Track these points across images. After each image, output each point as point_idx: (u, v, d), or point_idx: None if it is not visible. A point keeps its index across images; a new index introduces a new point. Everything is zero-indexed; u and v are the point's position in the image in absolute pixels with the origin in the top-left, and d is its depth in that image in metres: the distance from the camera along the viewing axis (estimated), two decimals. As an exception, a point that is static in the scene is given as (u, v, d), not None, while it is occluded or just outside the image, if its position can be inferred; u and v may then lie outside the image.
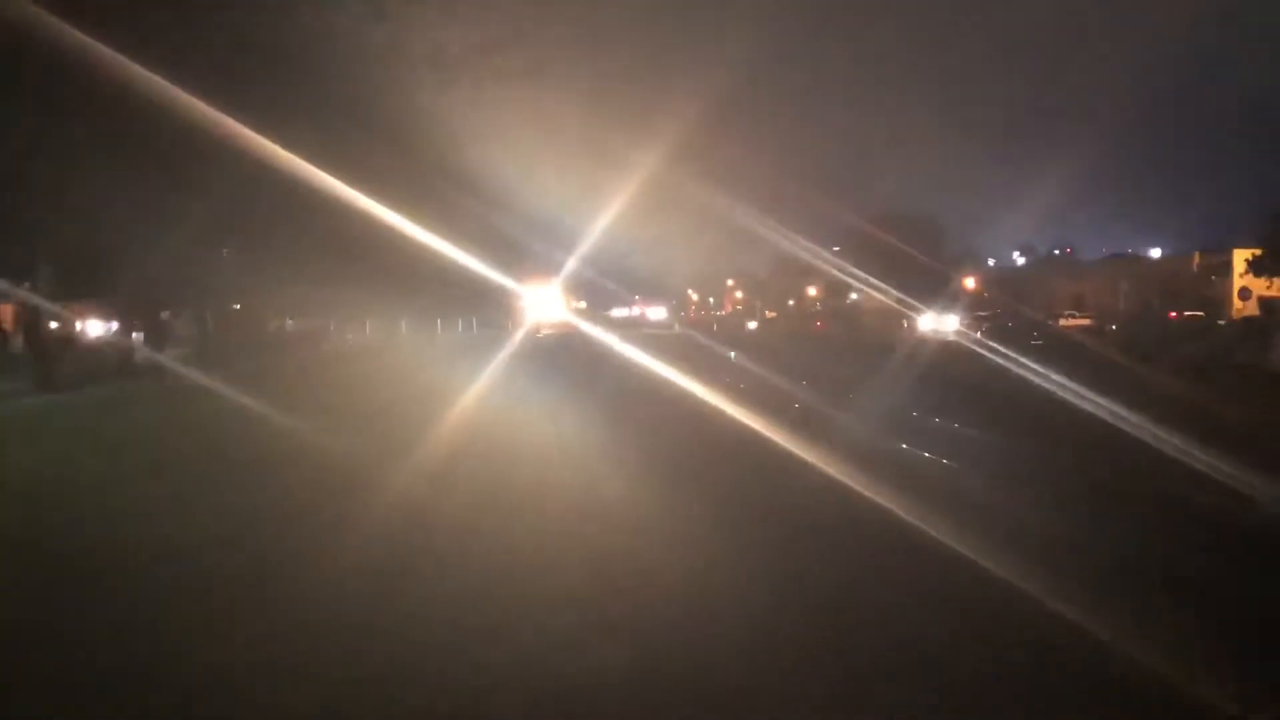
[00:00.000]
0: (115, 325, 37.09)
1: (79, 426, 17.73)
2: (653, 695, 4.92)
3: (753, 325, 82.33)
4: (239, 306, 45.57)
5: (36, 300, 27.01)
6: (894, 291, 55.94)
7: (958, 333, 45.42)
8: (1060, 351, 31.22)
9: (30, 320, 29.33)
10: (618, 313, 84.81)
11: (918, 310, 54.11)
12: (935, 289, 73.83)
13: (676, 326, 74.41)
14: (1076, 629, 5.47)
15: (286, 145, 21.12)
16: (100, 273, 28.16)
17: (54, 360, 25.83)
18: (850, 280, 64.47)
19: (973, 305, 73.66)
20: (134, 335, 34.32)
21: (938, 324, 49.43)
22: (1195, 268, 67.18)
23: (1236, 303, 50.37)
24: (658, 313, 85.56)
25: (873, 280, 58.56)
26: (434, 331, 60.64)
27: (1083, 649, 5.28)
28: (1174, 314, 55.99)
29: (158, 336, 35.38)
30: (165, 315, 40.60)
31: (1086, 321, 59.02)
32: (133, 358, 30.83)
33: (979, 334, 46.64)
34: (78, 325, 34.59)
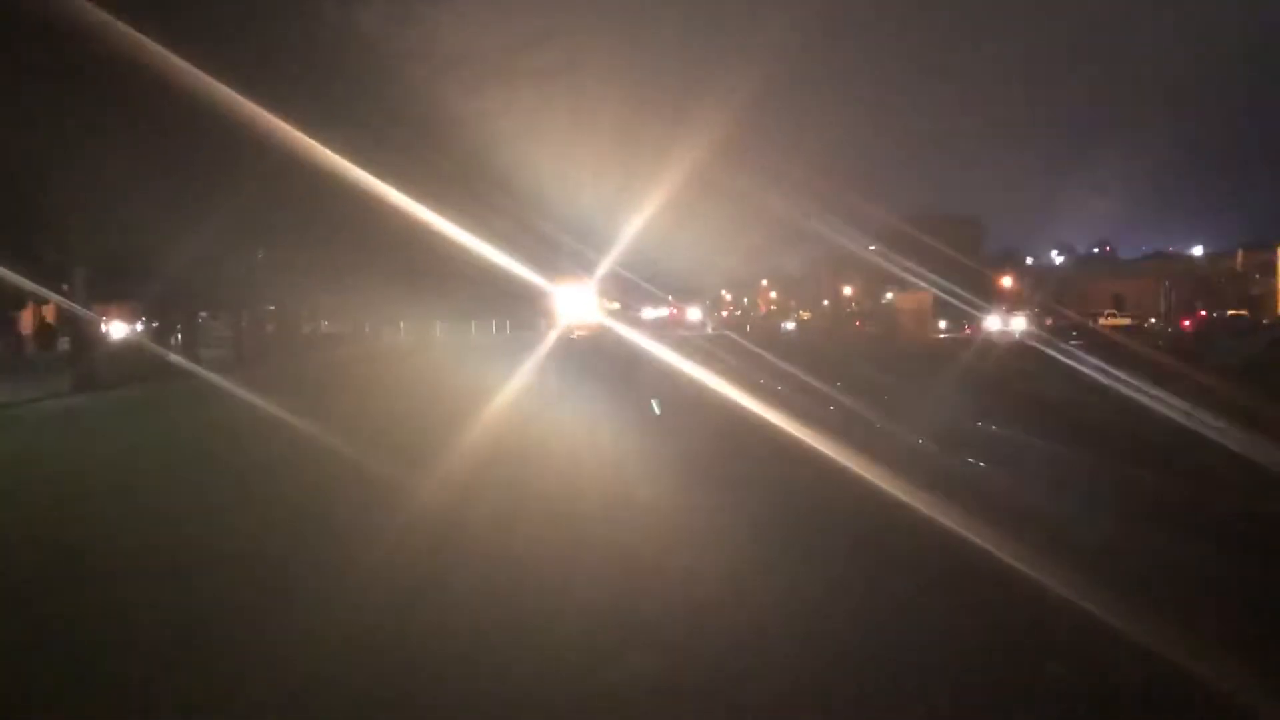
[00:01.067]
0: (150, 326, 37.47)
1: (111, 427, 17.86)
2: (689, 707, 4.74)
3: (790, 325, 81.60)
4: (274, 308, 45.99)
5: (73, 301, 27.26)
6: (945, 285, 54.35)
7: (1026, 334, 43.99)
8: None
9: (67, 321, 29.66)
10: (650, 313, 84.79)
11: (979, 309, 53.01)
12: (973, 288, 73.12)
13: (709, 328, 74.15)
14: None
15: (321, 145, 21.16)
16: (135, 274, 28.39)
17: (91, 361, 26.06)
18: (906, 275, 62.80)
19: (1012, 305, 72.91)
20: (168, 336, 34.67)
21: (1005, 325, 48.13)
22: (1239, 266, 66.02)
23: (1282, 302, 49.44)
24: (694, 314, 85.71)
25: (925, 274, 56.85)
26: (468, 333, 60.83)
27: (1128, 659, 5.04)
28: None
29: (191, 338, 35.73)
30: (202, 316, 41.05)
31: (1126, 321, 58.19)
32: (167, 359, 31.09)
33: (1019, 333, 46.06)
34: (110, 326, 34.91)
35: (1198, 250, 78.55)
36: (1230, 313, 52.48)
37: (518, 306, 53.65)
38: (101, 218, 23.57)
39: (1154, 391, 16.92)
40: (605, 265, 44.36)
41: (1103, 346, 33.56)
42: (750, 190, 71.60)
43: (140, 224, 23.67)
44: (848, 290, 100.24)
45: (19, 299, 38.58)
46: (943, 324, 69.10)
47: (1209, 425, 13.35)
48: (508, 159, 32.10)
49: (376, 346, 48.39)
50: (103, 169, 21.45)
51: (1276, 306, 51.36)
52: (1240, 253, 67.19)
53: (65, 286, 28.08)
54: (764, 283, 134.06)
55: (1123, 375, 19.87)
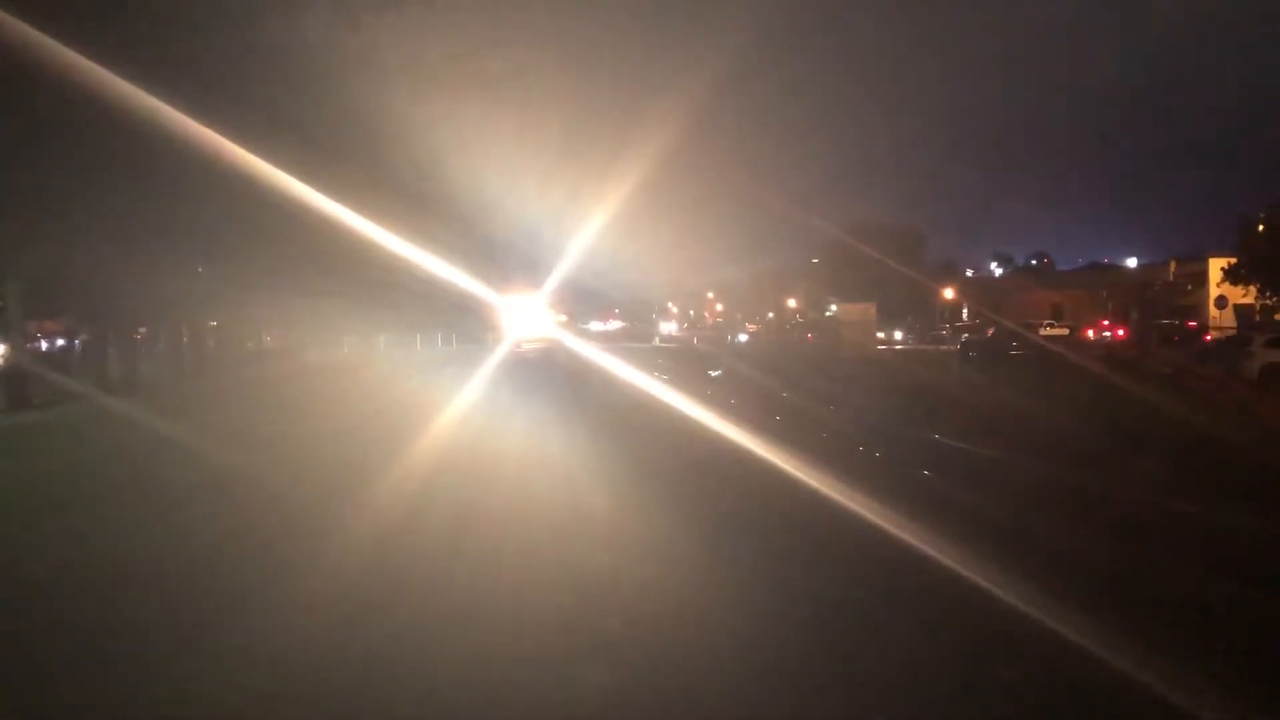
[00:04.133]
0: (89, 342, 36.67)
1: (47, 446, 17.40)
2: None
3: (743, 338, 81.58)
4: (215, 323, 45.22)
5: (5, 317, 26.61)
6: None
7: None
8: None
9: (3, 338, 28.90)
10: (597, 326, 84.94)
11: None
12: (915, 300, 73.96)
13: (657, 340, 74.28)
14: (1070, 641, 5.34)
15: (262, 158, 20.86)
16: (70, 289, 27.77)
17: (25, 378, 25.40)
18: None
19: (951, 317, 74.03)
20: (108, 352, 33.92)
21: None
22: (1172, 276, 67.59)
23: (1213, 311, 50.62)
24: (667, 326, 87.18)
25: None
26: (413, 347, 60.28)
27: (1075, 660, 5.13)
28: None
29: (129, 354, 34.99)
30: (141, 332, 40.23)
31: (1064, 331, 59.35)
32: (106, 375, 30.43)
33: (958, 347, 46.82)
34: (48, 343, 34.15)
35: (1132, 261, 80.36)
36: (1164, 321, 53.90)
37: (465, 320, 53.21)
38: (34, 231, 23.04)
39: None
40: (553, 277, 44.22)
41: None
42: (696, 202, 71.96)
43: (75, 237, 23.18)
44: (792, 302, 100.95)
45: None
46: (898, 334, 69.71)
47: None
48: (453, 170, 31.87)
49: (319, 361, 47.72)
50: (36, 182, 20.99)
51: (1208, 316, 52.65)
52: (1173, 263, 68.84)
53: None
54: (710, 295, 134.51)
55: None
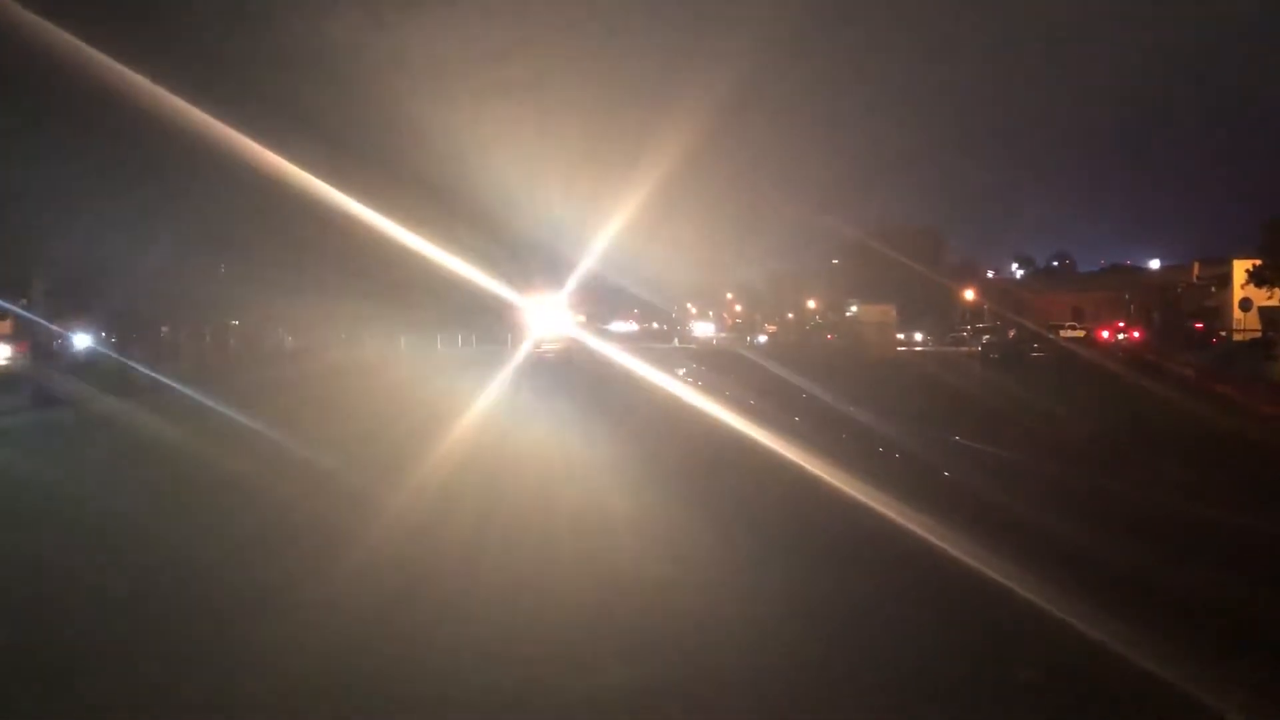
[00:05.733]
0: (112, 341, 36.99)
1: (72, 442, 17.54)
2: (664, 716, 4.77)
3: (763, 339, 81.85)
4: (237, 322, 45.53)
5: (33, 316, 26.84)
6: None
7: None
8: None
9: (28, 335, 29.18)
10: (616, 327, 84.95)
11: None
12: (935, 301, 73.68)
13: (676, 341, 74.29)
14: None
15: (285, 158, 21.00)
16: (97, 288, 28.00)
17: (50, 376, 25.61)
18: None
19: (972, 318, 73.66)
20: (130, 351, 34.17)
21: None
22: (1195, 278, 66.96)
23: (1237, 313, 50.09)
24: (705, 329, 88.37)
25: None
26: (434, 347, 60.36)
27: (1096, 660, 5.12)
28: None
29: (153, 352, 35.27)
30: (164, 330, 40.55)
31: (1083, 334, 59.11)
32: (129, 374, 30.64)
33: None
34: (72, 340, 34.41)
35: (1155, 263, 79.63)
36: (1182, 324, 53.70)
37: (485, 320, 53.34)
38: (62, 230, 23.25)
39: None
40: (573, 278, 44.27)
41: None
42: (715, 203, 72.13)
43: (101, 237, 23.38)
44: (811, 303, 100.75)
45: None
46: (917, 336, 69.42)
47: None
48: (475, 171, 32.00)
49: (341, 361, 47.90)
50: (60, 182, 21.20)
51: (1232, 318, 52.16)
52: (1196, 265, 68.21)
53: (24, 300, 27.69)
54: (729, 295, 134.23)
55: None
